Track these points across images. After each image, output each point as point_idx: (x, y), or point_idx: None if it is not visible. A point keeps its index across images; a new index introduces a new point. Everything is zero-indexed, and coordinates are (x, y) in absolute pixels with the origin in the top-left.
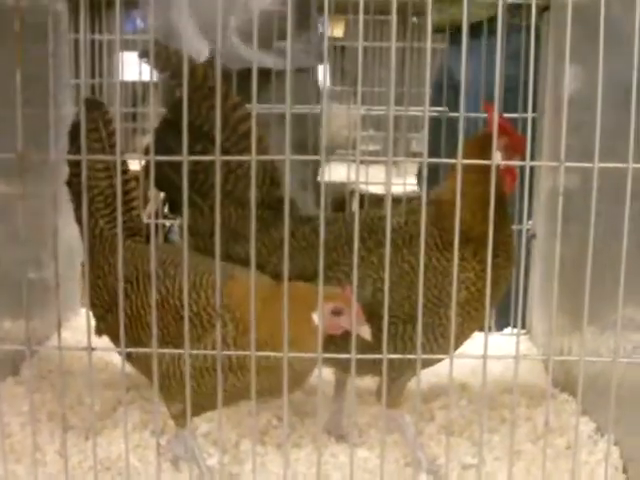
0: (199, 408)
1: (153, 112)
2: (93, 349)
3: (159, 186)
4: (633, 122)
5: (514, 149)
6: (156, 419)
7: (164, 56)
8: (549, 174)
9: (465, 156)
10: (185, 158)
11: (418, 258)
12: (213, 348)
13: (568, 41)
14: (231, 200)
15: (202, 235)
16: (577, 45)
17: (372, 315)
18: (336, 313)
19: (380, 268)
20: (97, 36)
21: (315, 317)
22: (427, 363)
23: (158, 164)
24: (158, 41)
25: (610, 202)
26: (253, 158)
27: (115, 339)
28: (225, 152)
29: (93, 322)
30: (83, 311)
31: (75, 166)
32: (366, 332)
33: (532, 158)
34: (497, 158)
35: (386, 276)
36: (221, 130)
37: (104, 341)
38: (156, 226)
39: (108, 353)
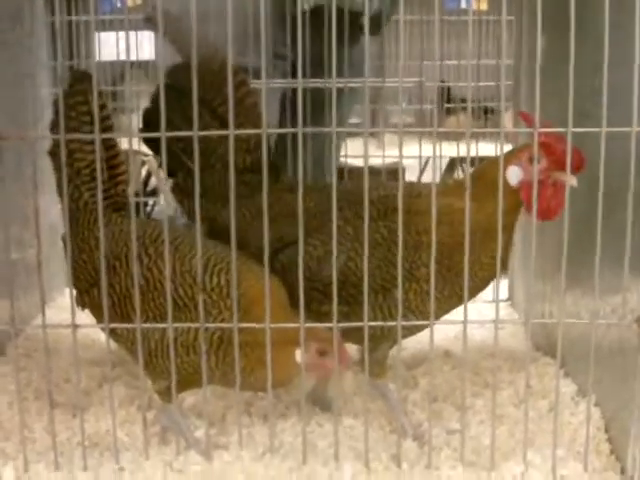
0: (185, 385)
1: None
2: (77, 326)
3: (154, 148)
4: (605, 87)
5: (558, 166)
6: (142, 394)
7: (173, 26)
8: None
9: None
10: (195, 133)
11: (391, 230)
12: (213, 331)
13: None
14: (223, 164)
15: (192, 196)
16: (550, 13)
17: (345, 284)
18: (321, 353)
19: (354, 239)
20: (74, 17)
21: (298, 354)
22: (407, 332)
23: (154, 125)
24: (165, 9)
25: (587, 167)
26: (264, 131)
27: (99, 313)
28: (220, 117)
29: (75, 294)
30: (68, 290)
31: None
32: (348, 377)
33: None
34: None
35: (365, 245)
36: (215, 97)
37: (89, 319)
38: (137, 204)
39: (94, 331)
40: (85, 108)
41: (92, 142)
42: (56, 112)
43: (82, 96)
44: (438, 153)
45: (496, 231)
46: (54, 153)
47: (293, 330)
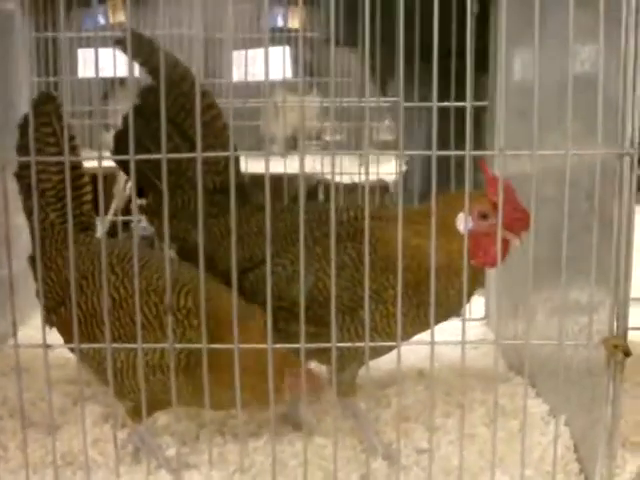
0: (153, 405)
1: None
2: (48, 346)
3: (125, 170)
4: (570, 108)
5: (508, 226)
6: (115, 413)
7: (145, 48)
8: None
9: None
10: (164, 156)
11: (360, 251)
12: (180, 351)
13: (504, 24)
14: (192, 185)
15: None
16: (525, 30)
17: (313, 304)
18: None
19: (322, 259)
20: (50, 34)
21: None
22: (375, 353)
23: (126, 146)
24: (135, 31)
25: (556, 188)
26: (232, 154)
27: (66, 332)
28: (190, 139)
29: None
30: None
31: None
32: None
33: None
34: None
35: (332, 265)
36: (186, 119)
37: (61, 338)
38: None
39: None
40: (49, 130)
41: (57, 163)
42: (21, 135)
43: (46, 117)
44: None
45: (460, 267)
46: (20, 175)
47: (279, 357)
